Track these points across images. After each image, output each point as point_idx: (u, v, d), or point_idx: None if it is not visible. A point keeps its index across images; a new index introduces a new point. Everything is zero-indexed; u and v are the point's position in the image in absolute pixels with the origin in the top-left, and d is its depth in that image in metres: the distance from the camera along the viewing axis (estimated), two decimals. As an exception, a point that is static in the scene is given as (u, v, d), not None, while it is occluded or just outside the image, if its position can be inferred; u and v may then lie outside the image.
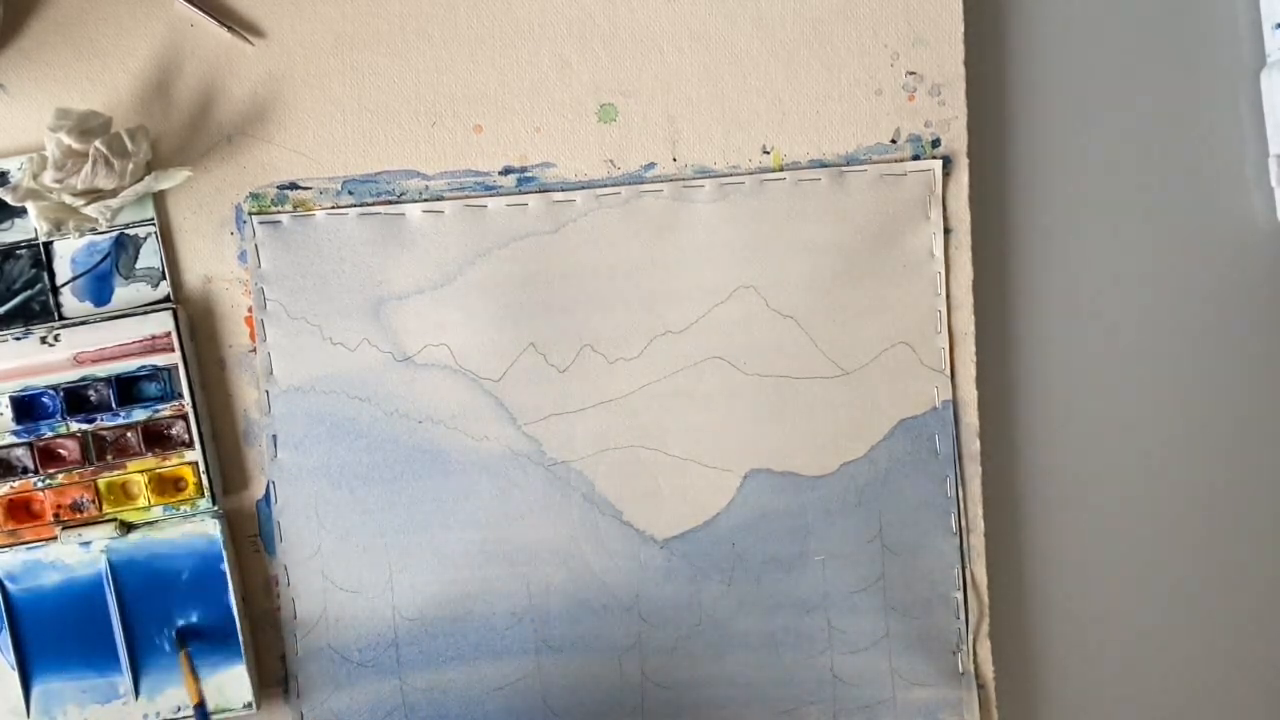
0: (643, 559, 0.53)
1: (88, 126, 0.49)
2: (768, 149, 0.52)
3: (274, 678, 0.53)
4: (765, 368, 0.53)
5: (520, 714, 0.53)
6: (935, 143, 0.52)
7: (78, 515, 0.51)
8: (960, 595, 0.54)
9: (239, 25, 0.51)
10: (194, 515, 0.52)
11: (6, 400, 0.51)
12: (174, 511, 0.52)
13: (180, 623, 0.51)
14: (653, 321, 0.52)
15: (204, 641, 0.52)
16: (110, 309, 0.51)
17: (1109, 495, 0.56)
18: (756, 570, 0.53)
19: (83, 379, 0.51)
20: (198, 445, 0.51)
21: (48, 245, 0.51)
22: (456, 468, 0.52)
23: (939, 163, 0.52)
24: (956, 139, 0.52)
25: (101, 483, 0.51)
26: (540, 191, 0.52)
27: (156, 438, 0.52)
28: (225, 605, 0.52)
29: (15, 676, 0.52)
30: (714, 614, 0.54)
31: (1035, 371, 0.55)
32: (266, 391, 0.52)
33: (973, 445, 0.53)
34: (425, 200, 0.52)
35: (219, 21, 0.51)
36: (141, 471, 0.51)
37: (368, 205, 0.52)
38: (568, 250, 0.52)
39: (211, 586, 0.52)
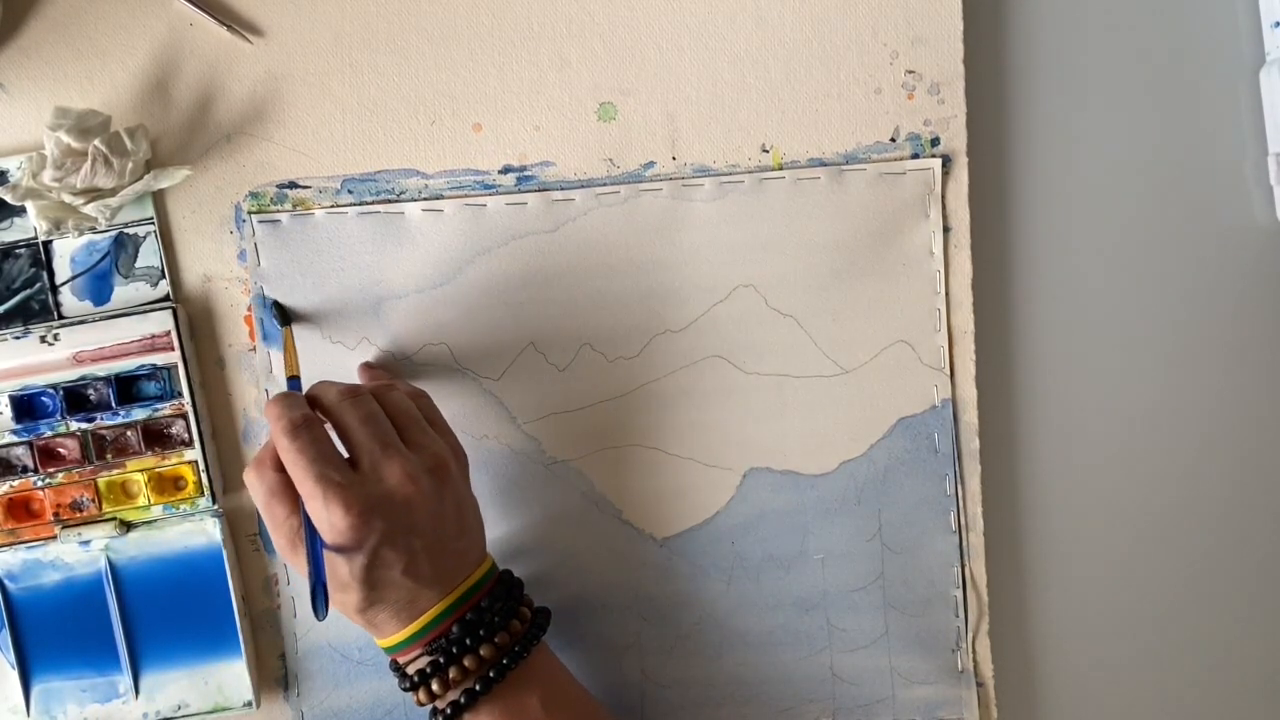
0: (642, 558, 0.53)
1: (87, 125, 0.49)
2: (767, 148, 0.52)
3: (274, 676, 0.53)
4: (764, 366, 0.53)
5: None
6: (934, 141, 0.52)
7: (77, 514, 0.51)
8: (959, 593, 0.54)
9: (238, 24, 0.51)
10: (194, 514, 0.52)
11: (6, 399, 0.51)
12: (174, 510, 0.52)
13: (270, 301, 0.51)
14: (652, 320, 0.52)
15: (204, 640, 0.52)
16: (109, 308, 0.51)
17: (1108, 493, 0.56)
18: (756, 569, 0.53)
19: (82, 378, 0.51)
20: (197, 444, 0.51)
21: (47, 244, 0.51)
22: (456, 466, 0.52)
23: (938, 161, 0.52)
24: (956, 137, 0.52)
25: (101, 482, 0.51)
26: (539, 190, 0.52)
27: (156, 437, 0.52)
28: (225, 604, 0.52)
29: (15, 675, 0.52)
30: (713, 613, 0.54)
31: (1034, 370, 0.55)
32: (266, 390, 0.52)
33: (972, 443, 0.53)
34: (425, 199, 0.52)
35: (218, 20, 0.51)
36: (141, 470, 0.51)
37: (367, 204, 0.52)
38: (567, 249, 0.52)
39: (211, 585, 0.52)
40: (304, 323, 0.52)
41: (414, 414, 0.47)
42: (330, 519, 0.42)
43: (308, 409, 0.45)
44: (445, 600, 0.45)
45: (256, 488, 0.45)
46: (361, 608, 0.44)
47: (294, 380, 0.49)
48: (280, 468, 0.44)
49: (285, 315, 0.51)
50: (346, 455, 0.45)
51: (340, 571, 0.43)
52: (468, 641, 0.45)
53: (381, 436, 0.44)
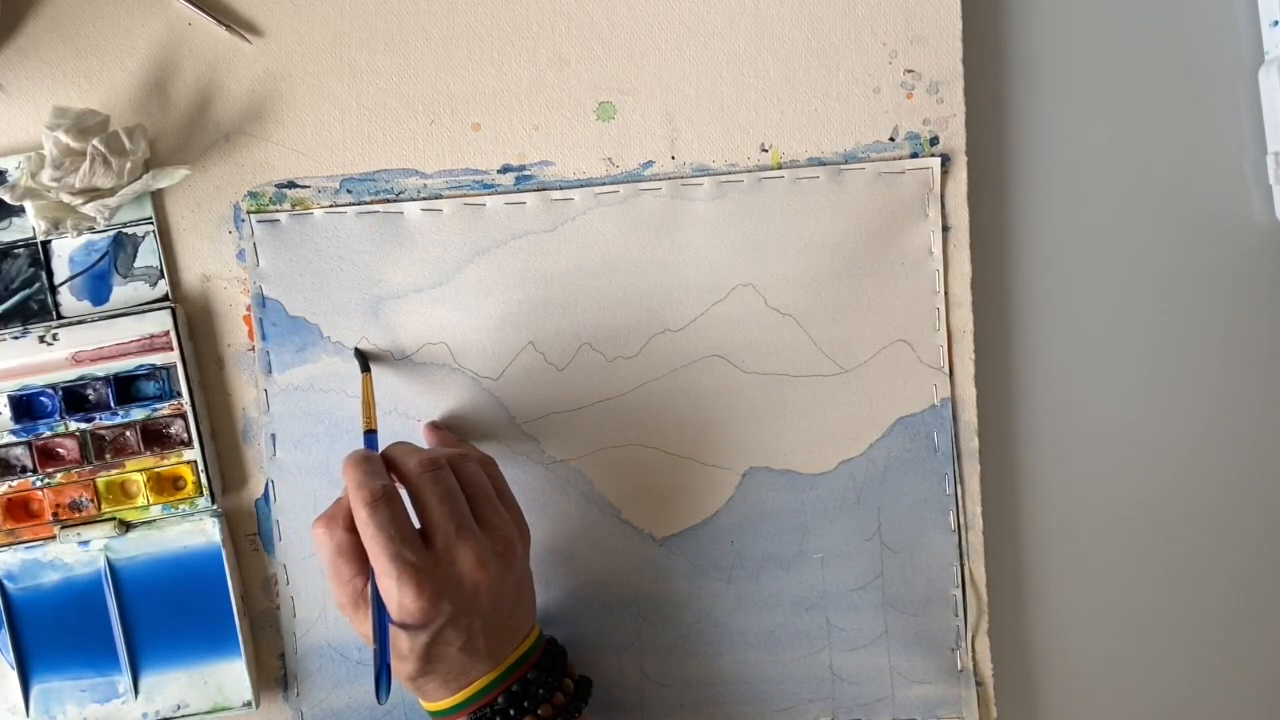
0: (641, 557, 0.53)
1: (85, 125, 0.49)
2: (766, 147, 0.52)
3: (273, 676, 0.53)
4: (764, 366, 0.53)
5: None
6: (934, 140, 0.52)
7: (76, 514, 0.51)
8: (959, 593, 0.54)
9: (237, 24, 0.51)
10: (193, 514, 0.52)
11: (5, 399, 0.51)
12: (173, 510, 0.52)
13: (360, 345, 0.52)
14: (651, 320, 0.52)
15: (203, 640, 0.52)
16: (108, 308, 0.51)
17: (1107, 492, 0.56)
18: (755, 568, 0.53)
19: (81, 378, 0.51)
20: (196, 444, 0.51)
21: (46, 244, 0.51)
22: (455, 466, 0.52)
23: (937, 160, 0.52)
24: (955, 137, 0.52)
25: (100, 482, 0.51)
26: (539, 190, 0.52)
27: (155, 437, 0.52)
28: (224, 604, 0.52)
29: (14, 675, 0.52)
30: (712, 612, 0.54)
31: (1033, 369, 0.55)
32: (265, 390, 0.52)
33: (971, 443, 0.53)
34: (424, 199, 0.52)
35: (217, 20, 0.51)
36: (140, 470, 0.51)
37: (366, 204, 0.52)
38: (566, 249, 0.52)
39: (210, 585, 0.52)
40: (302, 321, 0.52)
41: (487, 489, 0.47)
42: (401, 599, 0.43)
43: (387, 478, 0.45)
44: (495, 671, 0.46)
45: (324, 544, 0.45)
46: (414, 676, 0.45)
47: (370, 435, 0.49)
48: (350, 528, 0.45)
49: (366, 361, 0.51)
50: (418, 524, 0.45)
51: (400, 643, 0.44)
52: (512, 712, 0.46)
53: (457, 517, 0.45)
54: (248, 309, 0.52)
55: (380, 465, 0.45)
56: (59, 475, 0.51)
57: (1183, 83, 0.55)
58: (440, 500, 0.45)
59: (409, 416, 0.52)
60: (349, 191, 0.52)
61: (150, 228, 0.51)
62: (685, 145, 0.52)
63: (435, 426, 0.52)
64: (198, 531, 0.52)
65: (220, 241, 0.52)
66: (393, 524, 0.43)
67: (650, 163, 0.52)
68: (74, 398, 0.51)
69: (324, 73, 0.52)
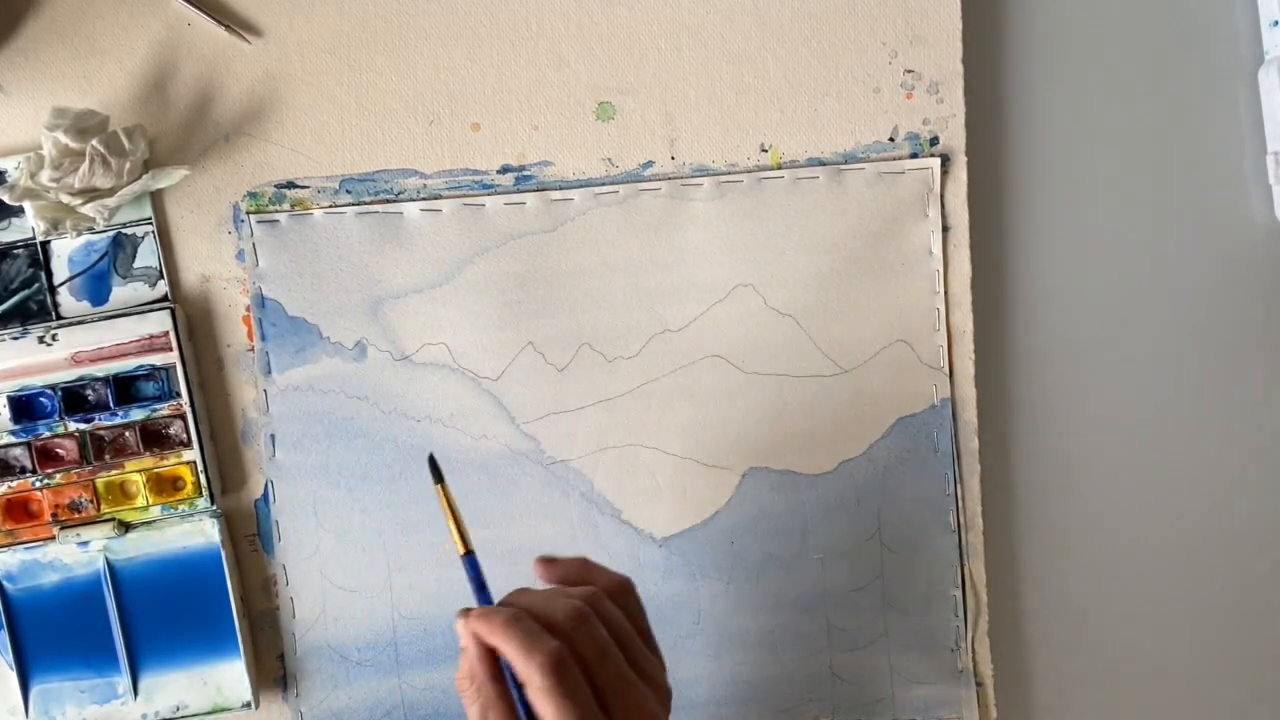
0: (641, 558, 0.53)
1: (85, 125, 0.49)
2: (766, 147, 0.52)
3: (273, 677, 0.53)
4: (764, 366, 0.53)
5: (520, 713, 0.53)
6: (933, 140, 0.52)
7: (76, 515, 0.51)
8: (959, 593, 0.54)
9: (236, 24, 0.51)
10: (192, 515, 0.52)
11: (4, 400, 0.51)
12: (172, 511, 0.52)
13: (431, 453, 0.45)
14: (651, 320, 0.52)
15: (202, 641, 0.52)
16: (108, 308, 0.51)
17: (1107, 493, 0.56)
18: (755, 569, 0.53)
19: (80, 378, 0.51)
20: (196, 444, 0.51)
21: (45, 244, 0.51)
22: (455, 467, 0.52)
23: (937, 160, 0.52)
24: (955, 137, 0.52)
25: (100, 482, 0.51)
26: (538, 190, 0.52)
27: (154, 437, 0.52)
28: (224, 605, 0.52)
29: (14, 676, 0.52)
30: (713, 612, 0.54)
31: (1033, 369, 0.55)
32: (264, 390, 0.52)
33: (971, 443, 0.53)
34: (423, 199, 0.52)
35: (216, 20, 0.51)
36: (140, 471, 0.51)
37: (366, 204, 0.52)
38: (566, 249, 0.52)
39: (210, 586, 0.52)
40: (302, 322, 0.52)
41: (629, 631, 0.44)
42: None
43: (551, 637, 0.41)
44: None
45: (472, 702, 0.42)
46: None
47: (470, 557, 0.44)
48: (494, 678, 0.41)
49: (438, 470, 0.45)
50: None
51: None
52: None
53: (622, 676, 0.42)
54: (247, 309, 0.52)
55: (534, 624, 0.41)
56: (58, 476, 0.51)
57: (1183, 83, 0.55)
58: (599, 657, 0.41)
59: (408, 417, 0.52)
60: (348, 192, 0.52)
61: (150, 228, 0.51)
62: (685, 145, 0.52)
63: (550, 560, 0.46)
64: (197, 532, 0.52)
65: (220, 242, 0.52)
66: (580, 691, 0.40)
67: (650, 163, 0.52)
68: (73, 398, 0.51)
69: (323, 73, 0.52)
